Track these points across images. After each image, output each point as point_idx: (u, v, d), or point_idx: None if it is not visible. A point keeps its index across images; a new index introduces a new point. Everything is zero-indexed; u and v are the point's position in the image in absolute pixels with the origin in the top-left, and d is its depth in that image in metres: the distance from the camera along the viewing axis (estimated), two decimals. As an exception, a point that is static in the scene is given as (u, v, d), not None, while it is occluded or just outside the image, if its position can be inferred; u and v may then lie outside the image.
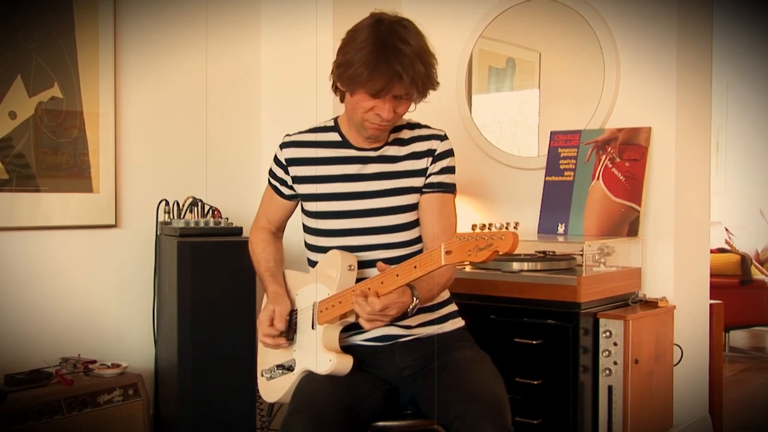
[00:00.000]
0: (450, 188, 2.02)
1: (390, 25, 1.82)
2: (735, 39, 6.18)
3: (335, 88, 1.96)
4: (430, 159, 1.99)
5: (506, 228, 1.57)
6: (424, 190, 1.99)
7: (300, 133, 2.05)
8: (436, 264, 1.66)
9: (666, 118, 2.82)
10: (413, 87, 1.82)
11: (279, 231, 2.18)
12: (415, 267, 1.70)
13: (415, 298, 1.80)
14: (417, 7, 3.40)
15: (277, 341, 1.96)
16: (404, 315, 1.83)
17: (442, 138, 2.02)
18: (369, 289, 1.77)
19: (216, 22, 3.19)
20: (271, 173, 2.09)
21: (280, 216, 2.14)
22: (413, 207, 2.00)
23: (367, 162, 1.98)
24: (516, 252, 2.83)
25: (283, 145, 2.05)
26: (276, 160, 2.07)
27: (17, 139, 2.60)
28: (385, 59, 1.77)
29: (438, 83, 1.90)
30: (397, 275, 1.74)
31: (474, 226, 1.60)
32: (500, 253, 1.56)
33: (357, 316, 1.83)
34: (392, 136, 2.01)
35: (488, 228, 1.58)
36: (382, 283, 1.75)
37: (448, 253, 1.62)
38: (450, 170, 2.02)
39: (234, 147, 3.28)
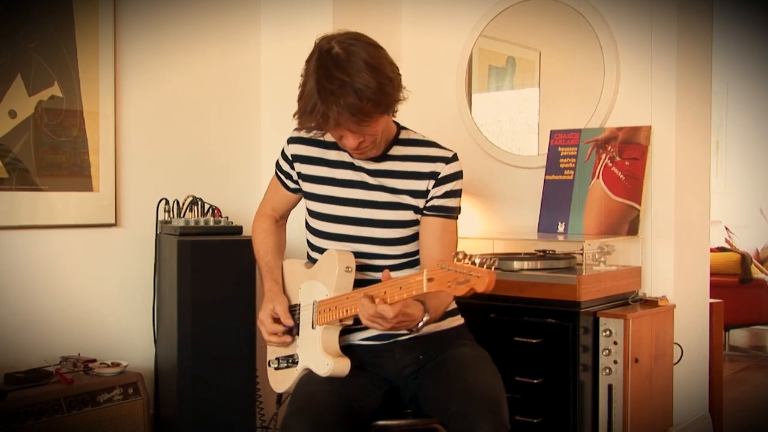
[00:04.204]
0: (453, 213, 1.99)
1: (322, 58, 1.76)
2: (735, 39, 6.17)
3: None
4: (433, 182, 1.95)
5: (485, 264, 1.53)
6: (425, 212, 1.97)
7: None
8: (418, 290, 1.65)
9: (666, 117, 2.81)
10: (350, 121, 1.74)
11: (282, 218, 2.20)
12: (400, 288, 1.69)
13: (426, 314, 1.78)
14: (417, 6, 3.42)
15: (284, 338, 1.97)
16: (411, 330, 1.81)
17: (449, 160, 1.96)
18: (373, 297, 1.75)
19: (216, 21, 3.18)
20: (278, 166, 2.10)
21: (285, 206, 2.16)
22: (410, 223, 1.98)
23: (373, 174, 1.97)
24: (516, 251, 2.89)
25: (290, 140, 2.05)
26: (283, 154, 2.07)
27: (17, 138, 2.59)
28: (312, 100, 1.74)
29: (397, 99, 1.81)
30: (385, 292, 1.73)
31: (457, 254, 1.58)
32: (476, 291, 1.54)
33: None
34: (400, 150, 1.98)
35: (470, 260, 1.55)
36: (384, 293, 1.73)
37: (430, 280, 1.62)
38: (454, 194, 1.97)
39: (234, 146, 3.27)
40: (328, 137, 1.98)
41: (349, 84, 1.71)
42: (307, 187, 2.03)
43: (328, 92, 1.71)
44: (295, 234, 2.23)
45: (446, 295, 1.87)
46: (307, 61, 1.81)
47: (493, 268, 1.52)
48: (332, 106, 1.72)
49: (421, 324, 1.78)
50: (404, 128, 2.03)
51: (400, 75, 1.82)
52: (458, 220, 2.02)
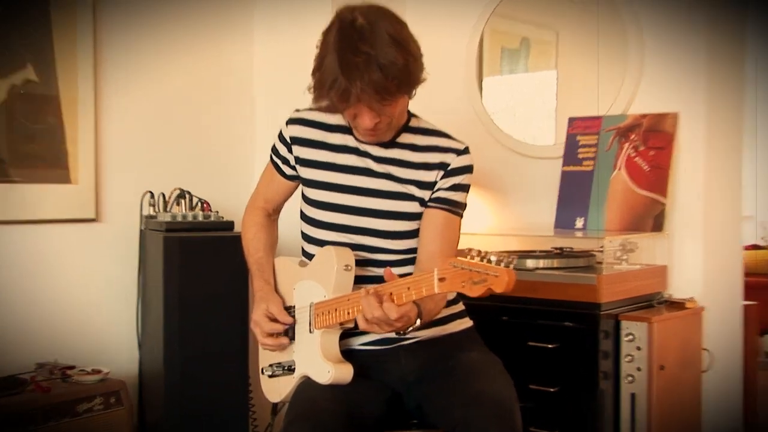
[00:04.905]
0: (457, 208, 1.96)
1: (345, 29, 1.71)
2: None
3: None
4: (441, 173, 1.93)
5: (503, 263, 1.50)
6: (429, 203, 1.94)
7: (309, 110, 1.98)
8: (429, 291, 1.63)
9: (695, 103, 2.76)
10: (372, 99, 1.71)
11: (275, 213, 2.18)
12: (408, 288, 1.66)
13: (418, 318, 1.74)
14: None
15: (280, 340, 1.95)
16: (398, 333, 1.78)
17: (460, 152, 1.94)
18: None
19: (206, 6, 3.16)
20: (274, 150, 2.06)
21: (279, 197, 2.13)
22: (414, 216, 1.95)
23: (379, 161, 1.94)
24: (531, 248, 2.81)
25: (290, 122, 2.02)
26: (280, 136, 2.03)
27: (-12, 126, 2.60)
28: (333, 74, 1.69)
29: (419, 79, 1.77)
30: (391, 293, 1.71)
31: (469, 251, 1.54)
32: (494, 292, 1.51)
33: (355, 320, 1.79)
34: (410, 138, 1.96)
35: (484, 258, 1.52)
36: (391, 293, 1.70)
37: (441, 280, 1.59)
38: (461, 188, 1.95)
39: (225, 135, 3.24)
40: (331, 119, 1.95)
41: (374, 58, 1.68)
42: (306, 172, 1.99)
43: (353, 67, 1.67)
44: (288, 230, 2.20)
45: (441, 298, 1.87)
46: (326, 33, 1.76)
47: (511, 266, 1.50)
48: (356, 81, 1.67)
49: (411, 329, 1.75)
50: (415, 116, 2.00)
51: (422, 54, 1.78)
52: (462, 219, 1.99)
